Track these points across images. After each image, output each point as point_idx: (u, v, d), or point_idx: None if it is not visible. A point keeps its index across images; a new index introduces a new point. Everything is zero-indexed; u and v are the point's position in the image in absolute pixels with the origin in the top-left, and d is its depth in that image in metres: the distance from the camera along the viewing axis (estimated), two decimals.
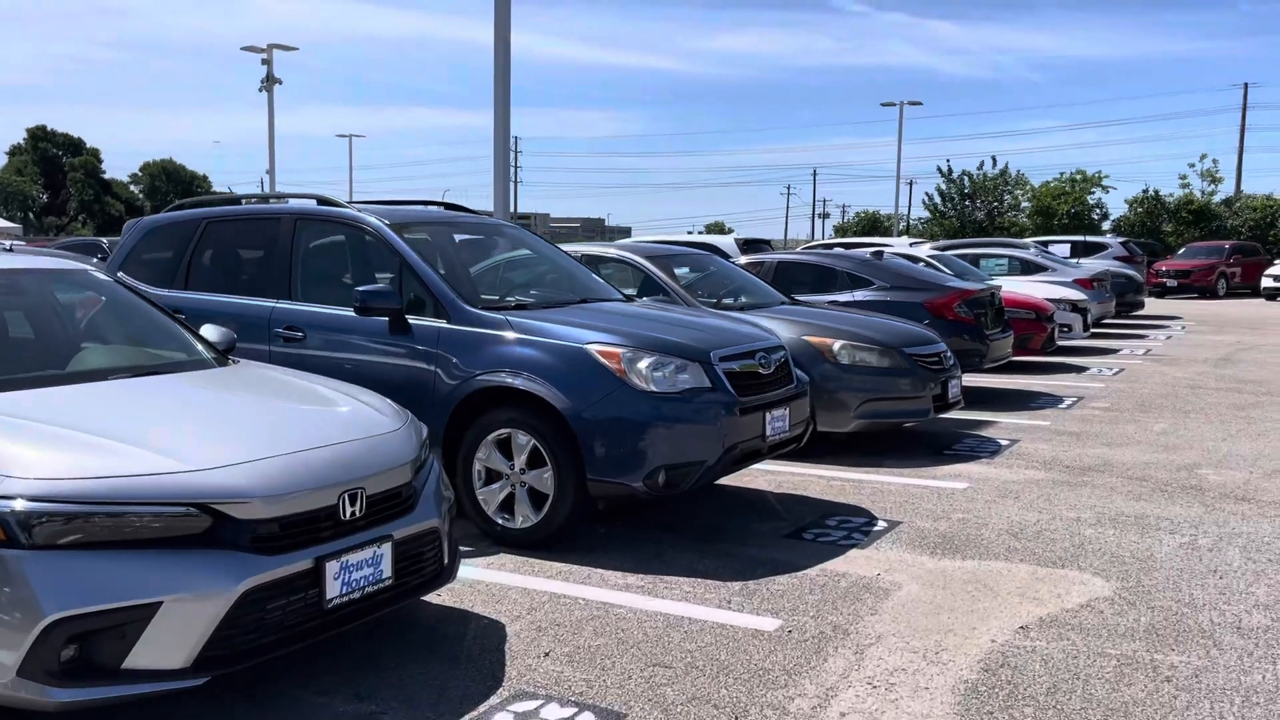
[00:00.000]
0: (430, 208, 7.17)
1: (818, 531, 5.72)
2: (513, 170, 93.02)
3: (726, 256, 13.18)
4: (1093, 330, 15.79)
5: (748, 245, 16.74)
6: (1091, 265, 19.57)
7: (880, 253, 11.38)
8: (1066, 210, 42.12)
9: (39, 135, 78.14)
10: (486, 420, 5.40)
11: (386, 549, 3.68)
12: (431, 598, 4.54)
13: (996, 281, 13.62)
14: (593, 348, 5.27)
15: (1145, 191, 42.96)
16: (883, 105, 44.68)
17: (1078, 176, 43.66)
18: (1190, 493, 6.64)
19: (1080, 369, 13.13)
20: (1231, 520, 5.98)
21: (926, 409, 7.78)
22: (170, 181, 79.20)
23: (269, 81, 33.97)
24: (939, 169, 45.75)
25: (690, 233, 33.62)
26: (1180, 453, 7.91)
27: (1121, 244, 25.88)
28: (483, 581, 4.85)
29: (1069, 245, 24.51)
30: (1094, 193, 43.46)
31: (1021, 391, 11.11)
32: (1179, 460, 7.63)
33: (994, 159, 44.92)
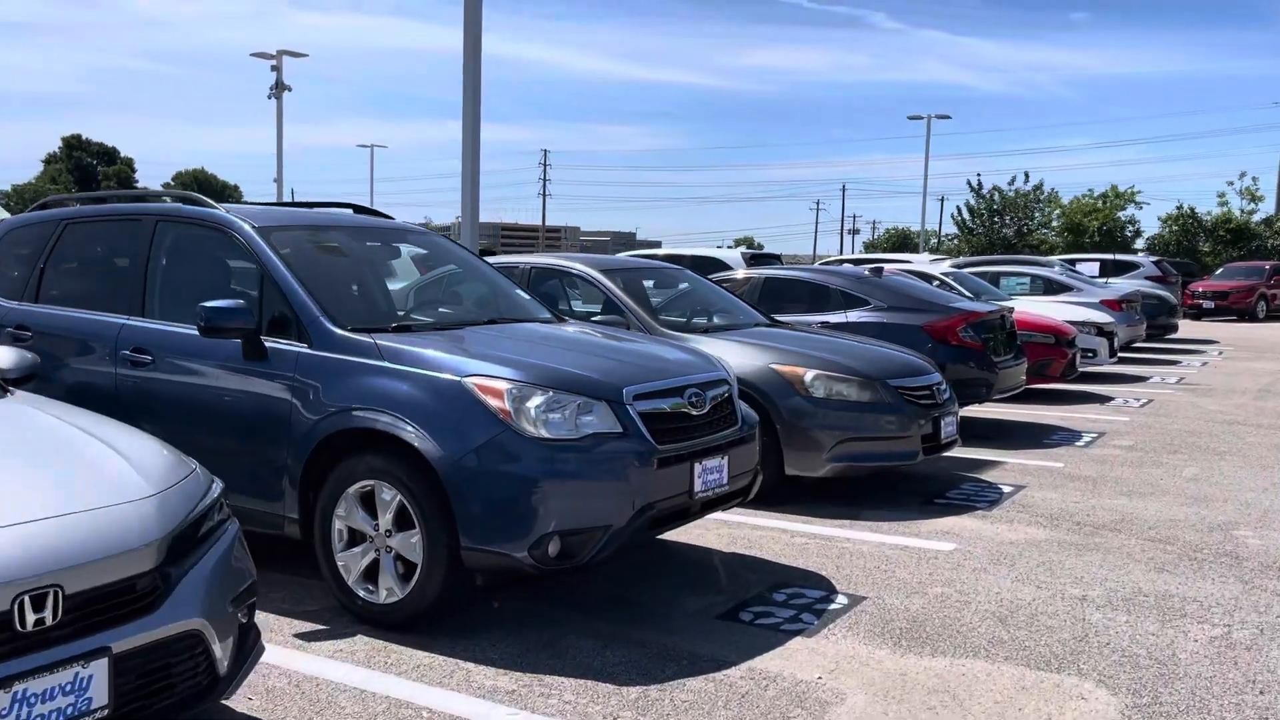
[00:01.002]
0: (336, 210, 6.19)
1: (759, 610, 4.65)
2: (541, 183, 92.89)
3: (726, 270, 12.22)
4: (1121, 355, 14.58)
5: (754, 260, 15.78)
6: (1121, 285, 18.30)
7: (880, 269, 10.28)
8: (1097, 227, 40.57)
9: (73, 144, 78.81)
10: (347, 468, 4.39)
11: (99, 668, 2.66)
12: (237, 703, 3.54)
13: (1013, 302, 12.51)
14: (471, 381, 4.24)
15: (1180, 208, 41.33)
16: (910, 119, 43.19)
17: (1109, 193, 42.08)
18: (1225, 562, 5.51)
19: (1104, 399, 11.94)
20: (1275, 604, 4.84)
21: (913, 451, 6.68)
22: (202, 191, 79.24)
23: (278, 88, 33.34)
24: (969, 184, 44.28)
25: (720, 247, 32.91)
26: (1213, 506, 6.76)
27: (1154, 263, 24.49)
28: (315, 679, 3.83)
29: (1098, 264, 23.17)
30: (1126, 209, 41.86)
31: (1035, 425, 9.96)
32: (1212, 517, 6.48)
33: (1026, 175, 43.22)
